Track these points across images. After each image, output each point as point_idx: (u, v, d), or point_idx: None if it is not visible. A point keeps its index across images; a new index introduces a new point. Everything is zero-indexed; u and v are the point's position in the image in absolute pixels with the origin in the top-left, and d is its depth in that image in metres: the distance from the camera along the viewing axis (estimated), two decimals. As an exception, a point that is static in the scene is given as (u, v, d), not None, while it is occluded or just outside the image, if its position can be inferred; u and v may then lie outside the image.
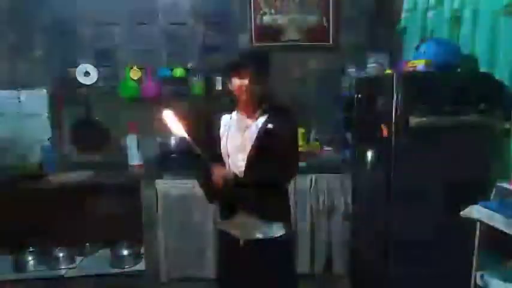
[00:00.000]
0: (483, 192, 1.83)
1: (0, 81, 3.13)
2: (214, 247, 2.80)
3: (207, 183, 1.79)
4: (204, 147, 1.79)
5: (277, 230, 1.81)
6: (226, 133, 1.80)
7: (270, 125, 1.74)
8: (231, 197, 1.77)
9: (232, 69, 1.74)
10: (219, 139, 1.82)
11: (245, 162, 1.75)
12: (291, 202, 2.76)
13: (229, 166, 1.78)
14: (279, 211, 1.85)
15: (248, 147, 1.75)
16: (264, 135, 1.74)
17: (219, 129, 1.83)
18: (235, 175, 1.75)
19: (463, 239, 1.85)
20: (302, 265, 2.83)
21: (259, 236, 1.79)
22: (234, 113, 1.83)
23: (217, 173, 1.72)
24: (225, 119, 1.84)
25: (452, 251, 2.02)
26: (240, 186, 1.73)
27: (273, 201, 1.79)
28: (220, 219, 1.92)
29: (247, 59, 1.79)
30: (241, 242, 1.81)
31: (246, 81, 1.71)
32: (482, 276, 1.77)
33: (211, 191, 1.82)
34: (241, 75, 1.71)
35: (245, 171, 1.75)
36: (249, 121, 1.79)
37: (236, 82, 1.73)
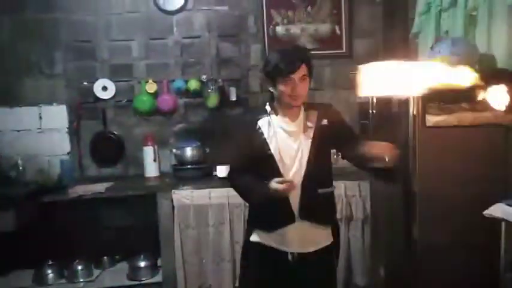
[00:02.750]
0: (507, 190, 1.76)
1: (23, 99, 3.23)
2: (232, 259, 2.77)
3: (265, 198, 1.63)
4: (247, 153, 1.71)
5: (328, 238, 1.75)
6: (274, 138, 1.66)
7: (324, 121, 1.68)
8: (287, 205, 1.64)
9: (292, 68, 1.58)
10: (262, 144, 1.67)
11: (305, 164, 1.65)
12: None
13: (283, 172, 1.65)
14: (333, 211, 1.83)
15: (306, 151, 1.65)
16: (322, 132, 1.66)
17: (261, 133, 1.68)
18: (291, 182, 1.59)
19: (488, 239, 1.77)
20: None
21: (310, 248, 1.70)
22: (274, 117, 1.69)
23: (282, 187, 1.56)
24: (264, 122, 1.69)
25: (478, 253, 1.93)
26: (303, 191, 1.64)
27: (329, 201, 1.77)
28: (266, 231, 1.72)
29: (303, 56, 1.65)
30: (289, 257, 1.68)
31: (303, 83, 1.63)
32: (511, 278, 1.69)
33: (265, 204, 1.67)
34: (299, 76, 1.60)
35: (306, 173, 1.65)
36: (295, 125, 1.69)
37: (294, 82, 1.60)
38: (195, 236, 2.79)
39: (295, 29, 3.32)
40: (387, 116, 2.25)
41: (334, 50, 3.34)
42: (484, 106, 1.89)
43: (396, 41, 3.18)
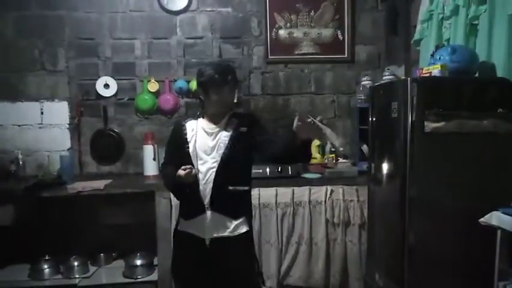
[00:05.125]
0: (503, 198, 1.76)
1: (26, 94, 3.25)
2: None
3: (174, 184, 1.90)
4: (174, 151, 1.99)
5: (242, 227, 1.89)
6: (194, 137, 1.90)
7: (243, 128, 1.89)
8: (198, 196, 1.85)
9: (224, 82, 1.82)
10: (183, 143, 1.91)
11: (218, 162, 1.84)
12: (307, 214, 2.80)
13: (197, 167, 1.86)
14: (245, 208, 1.95)
15: (221, 151, 1.85)
16: (237, 137, 1.87)
17: (184, 134, 1.93)
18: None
19: (483, 247, 1.77)
20: (317, 279, 2.77)
21: (224, 234, 1.86)
22: (201, 119, 1.94)
23: (183, 173, 1.78)
24: (191, 125, 1.94)
25: (472, 261, 1.94)
26: (215, 186, 1.83)
27: (241, 198, 1.90)
28: (184, 219, 1.95)
29: (233, 72, 1.90)
30: (207, 242, 1.87)
31: (231, 93, 1.88)
32: (505, 287, 1.69)
33: (179, 192, 1.95)
34: (229, 87, 1.85)
35: (218, 170, 1.84)
36: (216, 127, 1.90)
37: (223, 93, 1.83)
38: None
39: (297, 33, 3.34)
40: (386, 121, 2.27)
41: (336, 55, 3.36)
42: (484, 114, 1.91)
43: (398, 47, 3.20)
